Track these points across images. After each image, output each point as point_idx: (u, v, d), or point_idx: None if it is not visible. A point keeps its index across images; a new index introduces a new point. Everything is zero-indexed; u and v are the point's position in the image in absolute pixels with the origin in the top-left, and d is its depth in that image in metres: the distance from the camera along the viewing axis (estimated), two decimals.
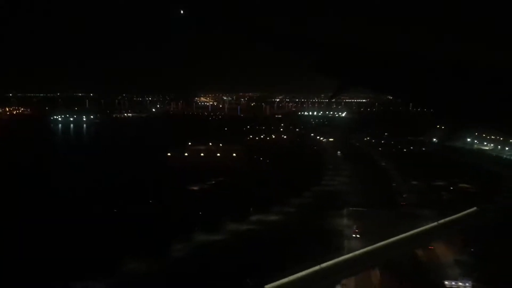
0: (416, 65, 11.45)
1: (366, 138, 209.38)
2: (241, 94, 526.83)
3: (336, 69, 13.48)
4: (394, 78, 11.71)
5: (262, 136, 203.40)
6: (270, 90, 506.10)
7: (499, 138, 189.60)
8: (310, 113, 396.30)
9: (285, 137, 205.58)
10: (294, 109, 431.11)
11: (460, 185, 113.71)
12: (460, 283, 53.87)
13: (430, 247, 68.36)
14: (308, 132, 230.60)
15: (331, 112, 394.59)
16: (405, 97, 13.76)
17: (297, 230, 75.59)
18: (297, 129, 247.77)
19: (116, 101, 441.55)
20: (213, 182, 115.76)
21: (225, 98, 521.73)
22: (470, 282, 54.29)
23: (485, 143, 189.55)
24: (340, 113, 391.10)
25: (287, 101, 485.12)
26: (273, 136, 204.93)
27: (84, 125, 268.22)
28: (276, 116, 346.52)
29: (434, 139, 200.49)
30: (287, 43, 15.81)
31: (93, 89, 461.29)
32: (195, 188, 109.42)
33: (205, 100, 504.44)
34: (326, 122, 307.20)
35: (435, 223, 74.11)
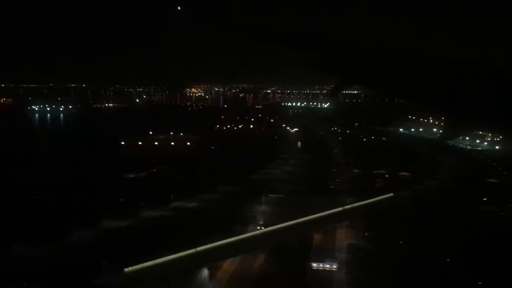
0: (415, 65, 11.59)
1: (334, 128, 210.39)
2: (235, 85, 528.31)
3: (335, 67, 13.56)
4: (392, 77, 11.80)
5: (228, 126, 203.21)
6: (266, 82, 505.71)
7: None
8: (294, 103, 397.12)
9: (251, 126, 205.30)
10: (279, 99, 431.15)
11: (400, 173, 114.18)
12: (327, 265, 54.48)
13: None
14: (280, 122, 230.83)
15: (315, 103, 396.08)
16: (403, 96, 13.38)
17: (206, 216, 75.94)
18: (271, 120, 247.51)
19: (102, 91, 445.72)
20: (154, 170, 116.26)
21: (217, 89, 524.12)
22: (335, 264, 54.89)
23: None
24: (323, 104, 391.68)
25: (278, 92, 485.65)
26: (240, 126, 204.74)
27: (56, 115, 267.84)
28: (257, 106, 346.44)
29: (401, 129, 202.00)
30: (287, 42, 15.90)
31: (90, 81, 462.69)
32: (132, 176, 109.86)
33: (196, 91, 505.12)
34: (303, 112, 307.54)
35: (340, 208, 74.51)
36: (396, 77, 11.69)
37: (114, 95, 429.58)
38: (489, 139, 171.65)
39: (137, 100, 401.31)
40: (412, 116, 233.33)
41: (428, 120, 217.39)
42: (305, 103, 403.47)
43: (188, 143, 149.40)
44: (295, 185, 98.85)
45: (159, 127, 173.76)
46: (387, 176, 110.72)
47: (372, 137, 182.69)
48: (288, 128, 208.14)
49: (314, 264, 54.92)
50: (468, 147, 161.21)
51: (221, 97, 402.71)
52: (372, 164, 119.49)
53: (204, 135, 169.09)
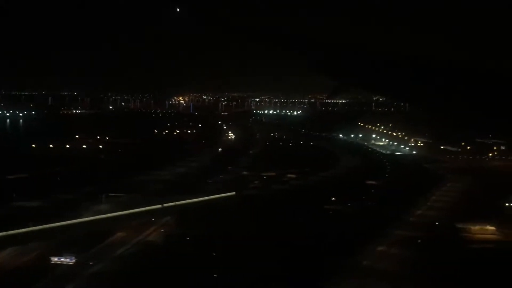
0: (414, 66, 11.51)
1: (278, 133, 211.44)
2: (227, 94, 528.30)
3: (336, 69, 13.54)
4: (392, 79, 11.75)
5: (167, 131, 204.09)
6: (261, 91, 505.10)
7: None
8: (268, 111, 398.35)
9: (189, 131, 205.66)
10: (253, 107, 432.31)
11: (288, 174, 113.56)
12: (63, 259, 53.99)
13: None
14: (229, 127, 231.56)
15: (287, 111, 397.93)
16: (403, 98, 13.66)
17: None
18: (224, 126, 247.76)
19: (79, 98, 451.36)
20: (46, 171, 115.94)
21: (205, 97, 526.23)
22: (73, 258, 54.36)
23: (382, 139, 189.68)
24: (295, 112, 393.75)
25: (266, 101, 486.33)
26: (177, 131, 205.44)
27: (8, 120, 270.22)
28: (223, 113, 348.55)
29: (340, 135, 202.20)
30: (288, 43, 15.81)
31: (82, 88, 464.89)
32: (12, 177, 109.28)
33: (181, 100, 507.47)
34: (263, 119, 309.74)
35: (159, 206, 73.98)
36: (394, 78, 11.57)
37: (92, 101, 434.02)
38: (414, 143, 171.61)
39: (110, 107, 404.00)
40: (364, 124, 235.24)
41: (377, 127, 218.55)
42: (278, 110, 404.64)
43: (100, 146, 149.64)
44: (167, 186, 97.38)
45: (92, 131, 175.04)
46: (270, 177, 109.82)
47: (301, 142, 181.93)
48: (228, 133, 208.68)
49: (54, 258, 54.44)
50: (388, 151, 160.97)
51: (191, 104, 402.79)
52: (273, 166, 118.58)
53: (131, 139, 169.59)
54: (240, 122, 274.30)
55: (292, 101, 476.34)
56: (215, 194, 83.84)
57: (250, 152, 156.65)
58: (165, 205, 74.25)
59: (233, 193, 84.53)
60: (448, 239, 68.32)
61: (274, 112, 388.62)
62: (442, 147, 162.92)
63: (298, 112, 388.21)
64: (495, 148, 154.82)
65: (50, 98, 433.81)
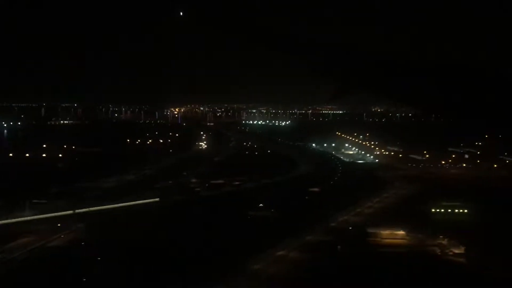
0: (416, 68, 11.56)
1: (249, 143, 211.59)
2: (226, 105, 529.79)
3: (337, 72, 13.42)
4: (395, 81, 11.68)
5: (141, 140, 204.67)
6: (258, 103, 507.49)
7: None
8: (255, 122, 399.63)
9: (161, 141, 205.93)
10: (244, 118, 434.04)
11: (234, 182, 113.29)
12: None
13: None
14: (207, 137, 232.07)
15: (277, 122, 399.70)
16: (405, 101, 13.39)
17: None
18: (203, 135, 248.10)
19: (72, 110, 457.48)
20: None
21: (202, 108, 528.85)
22: None
23: (353, 148, 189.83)
24: (284, 122, 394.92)
25: (262, 112, 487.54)
26: (151, 140, 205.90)
27: None
28: (209, 124, 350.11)
29: (314, 144, 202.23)
30: (289, 45, 15.68)
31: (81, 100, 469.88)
32: None
33: (176, 111, 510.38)
34: (247, 129, 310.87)
35: (71, 211, 73.85)
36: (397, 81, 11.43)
37: (83, 112, 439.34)
38: (382, 152, 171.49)
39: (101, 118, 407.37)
40: (342, 133, 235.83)
41: (353, 137, 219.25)
42: (267, 121, 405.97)
43: (60, 155, 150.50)
44: (93, 193, 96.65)
45: (64, 140, 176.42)
46: (215, 184, 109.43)
47: (269, 151, 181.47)
48: (201, 142, 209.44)
49: None
50: (351, 160, 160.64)
51: (179, 115, 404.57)
52: (227, 174, 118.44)
53: (98, 148, 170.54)
54: (223, 132, 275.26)
55: (288, 112, 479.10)
56: (139, 200, 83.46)
57: (214, 160, 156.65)
58: (77, 211, 73.94)
59: (157, 199, 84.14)
60: (355, 243, 67.45)
61: (263, 123, 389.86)
62: (409, 156, 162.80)
63: (287, 123, 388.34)
64: (460, 156, 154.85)
65: (43, 109, 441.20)
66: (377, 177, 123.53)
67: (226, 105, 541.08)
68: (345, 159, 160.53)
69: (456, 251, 63.22)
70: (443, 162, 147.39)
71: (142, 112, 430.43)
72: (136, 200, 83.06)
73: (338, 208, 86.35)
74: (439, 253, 64.58)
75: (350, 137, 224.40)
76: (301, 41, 14.87)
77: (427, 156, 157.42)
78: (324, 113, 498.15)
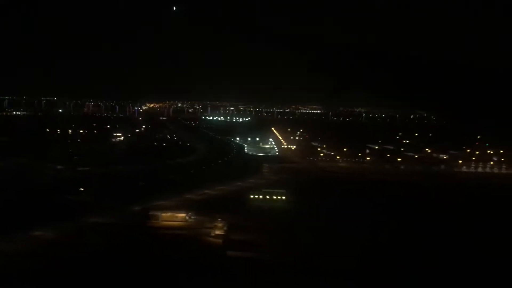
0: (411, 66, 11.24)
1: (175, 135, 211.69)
2: (209, 102, 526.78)
3: (335, 69, 13.17)
4: (390, 78, 11.45)
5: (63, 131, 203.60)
6: (240, 101, 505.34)
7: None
8: (215, 118, 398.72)
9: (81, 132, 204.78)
10: (206, 114, 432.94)
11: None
12: None
13: None
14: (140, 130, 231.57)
15: (238, 118, 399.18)
16: (401, 99, 12.80)
17: None
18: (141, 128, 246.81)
19: (35, 101, 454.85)
20: None
21: (180, 104, 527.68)
22: None
23: (270, 143, 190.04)
24: (242, 119, 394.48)
25: (241, 109, 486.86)
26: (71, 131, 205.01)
27: None
28: (161, 118, 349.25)
29: (237, 138, 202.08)
30: (287, 42, 15.47)
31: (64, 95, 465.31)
32: None
33: (152, 106, 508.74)
34: (193, 124, 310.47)
35: None
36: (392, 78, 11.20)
37: (47, 104, 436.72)
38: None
39: (60, 110, 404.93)
40: (276, 130, 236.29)
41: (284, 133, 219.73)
42: (228, 117, 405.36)
43: None
44: None
45: None
46: (81, 172, 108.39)
47: (180, 143, 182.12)
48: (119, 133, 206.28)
49: None
50: (256, 152, 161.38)
51: (136, 109, 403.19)
52: (108, 163, 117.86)
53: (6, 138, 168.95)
54: (167, 125, 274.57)
55: (267, 110, 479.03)
56: None
57: (117, 151, 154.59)
58: None
59: None
60: (134, 225, 67.01)
61: (221, 119, 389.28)
62: (321, 151, 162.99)
63: (246, 119, 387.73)
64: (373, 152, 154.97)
65: (6, 101, 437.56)
66: (256, 168, 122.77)
67: (208, 102, 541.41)
68: (249, 152, 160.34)
69: (218, 232, 62.96)
70: (340, 157, 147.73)
71: (103, 106, 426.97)
72: None
73: (168, 193, 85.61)
74: (212, 235, 64.44)
75: (281, 132, 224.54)
76: (299, 40, 14.89)
77: (334, 152, 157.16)
78: (302, 112, 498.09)
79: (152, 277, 53.70)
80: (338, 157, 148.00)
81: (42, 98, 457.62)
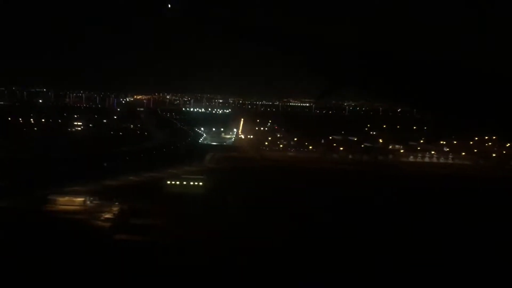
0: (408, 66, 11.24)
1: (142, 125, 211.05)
2: (199, 95, 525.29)
3: (327, 68, 13.17)
4: (385, 78, 11.44)
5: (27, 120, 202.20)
6: (230, 94, 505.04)
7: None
8: (194, 109, 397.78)
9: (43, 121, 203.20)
10: (187, 106, 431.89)
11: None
12: None
13: None
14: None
15: (216, 110, 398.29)
16: (395, 98, 12.76)
17: None
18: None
19: (18, 92, 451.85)
20: None
21: (169, 97, 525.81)
22: None
23: (232, 134, 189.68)
24: (224, 111, 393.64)
25: (230, 102, 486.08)
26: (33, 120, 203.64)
27: None
28: (139, 109, 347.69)
29: (202, 128, 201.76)
30: (279, 42, 15.26)
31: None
32: None
33: (140, 98, 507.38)
34: (167, 115, 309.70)
35: None
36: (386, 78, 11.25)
37: (28, 95, 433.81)
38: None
39: (40, 101, 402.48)
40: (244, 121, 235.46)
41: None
42: (209, 109, 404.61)
43: None
44: None
45: None
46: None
47: (146, 133, 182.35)
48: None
49: None
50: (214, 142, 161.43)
51: (115, 100, 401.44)
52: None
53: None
54: (140, 116, 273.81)
55: (256, 103, 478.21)
56: None
57: (65, 139, 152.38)
58: None
59: None
60: (29, 209, 65.98)
61: (201, 111, 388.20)
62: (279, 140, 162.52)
63: (225, 111, 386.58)
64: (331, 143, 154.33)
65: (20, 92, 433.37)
66: (200, 156, 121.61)
67: (199, 95, 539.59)
68: (206, 142, 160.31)
69: (107, 216, 62.20)
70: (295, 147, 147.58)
71: (84, 97, 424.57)
72: None
73: (88, 179, 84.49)
74: (101, 219, 63.63)
75: (250, 124, 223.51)
76: (291, 39, 14.81)
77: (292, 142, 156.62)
78: (292, 105, 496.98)
79: (34, 260, 52.98)
80: (292, 147, 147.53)
81: (31, 90, 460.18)
